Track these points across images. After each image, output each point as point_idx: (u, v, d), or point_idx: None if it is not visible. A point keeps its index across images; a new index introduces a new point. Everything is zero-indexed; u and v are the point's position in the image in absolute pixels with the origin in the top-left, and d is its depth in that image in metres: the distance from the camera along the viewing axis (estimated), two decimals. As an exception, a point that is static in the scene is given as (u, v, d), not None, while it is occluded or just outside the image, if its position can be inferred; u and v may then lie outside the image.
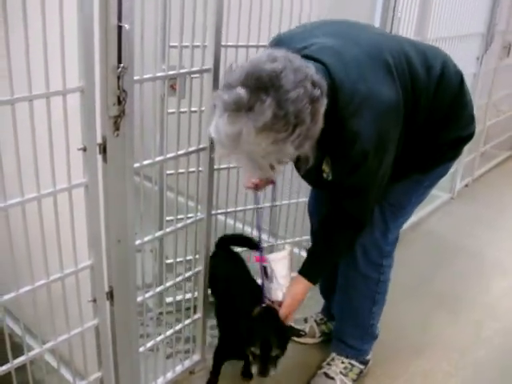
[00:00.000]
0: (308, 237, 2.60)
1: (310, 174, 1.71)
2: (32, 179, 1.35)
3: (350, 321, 2.19)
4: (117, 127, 1.44)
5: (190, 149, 1.78)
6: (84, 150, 1.41)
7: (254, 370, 1.78)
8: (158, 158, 1.71)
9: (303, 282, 1.83)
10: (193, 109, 1.80)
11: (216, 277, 2.07)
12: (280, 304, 1.84)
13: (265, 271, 1.90)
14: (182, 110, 1.76)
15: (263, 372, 1.76)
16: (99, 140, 1.43)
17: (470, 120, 1.89)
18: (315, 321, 2.45)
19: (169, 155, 1.75)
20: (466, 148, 3.88)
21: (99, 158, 1.46)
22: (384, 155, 1.62)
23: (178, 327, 2.03)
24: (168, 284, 1.94)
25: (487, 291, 2.99)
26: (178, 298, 2.13)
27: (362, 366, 2.20)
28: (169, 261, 2.23)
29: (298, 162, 1.57)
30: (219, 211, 2.46)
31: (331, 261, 1.95)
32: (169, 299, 2.27)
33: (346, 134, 1.54)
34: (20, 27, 1.18)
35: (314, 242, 1.93)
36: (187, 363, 2.15)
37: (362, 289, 2.11)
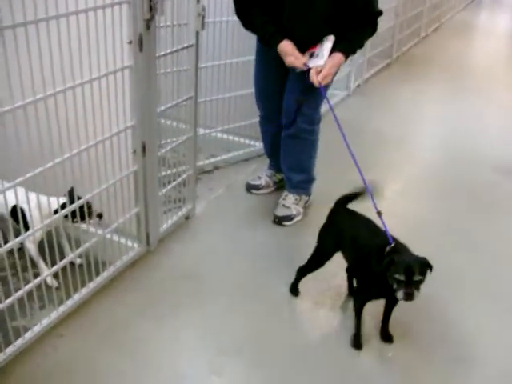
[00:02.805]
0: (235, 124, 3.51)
1: None
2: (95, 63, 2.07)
3: (296, 169, 3.10)
4: (148, 27, 2.18)
5: (180, 46, 2.53)
6: (130, 42, 2.16)
7: (400, 295, 1.93)
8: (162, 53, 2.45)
9: (340, 55, 2.63)
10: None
11: (343, 233, 2.28)
12: (321, 70, 2.58)
13: (312, 55, 2.63)
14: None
15: (409, 295, 1.91)
16: (138, 36, 2.17)
17: None
18: (267, 175, 3.36)
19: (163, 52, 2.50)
20: (357, 54, 4.79)
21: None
22: None
23: (178, 180, 2.83)
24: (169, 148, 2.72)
25: (390, 157, 4.05)
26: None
27: (306, 197, 3.14)
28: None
29: None
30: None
31: (362, 43, 2.76)
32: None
33: None
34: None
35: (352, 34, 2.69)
36: (184, 210, 2.97)
37: (302, 148, 3.03)
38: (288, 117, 2.93)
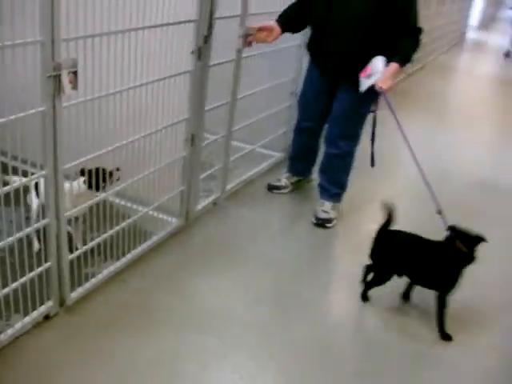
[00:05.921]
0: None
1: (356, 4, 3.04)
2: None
3: (335, 184, 3.56)
4: (205, 41, 2.80)
5: (225, 60, 3.15)
6: (192, 52, 2.78)
7: None
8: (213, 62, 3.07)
9: (394, 64, 3.00)
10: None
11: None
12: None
13: (369, 76, 3.02)
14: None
15: None
16: (197, 48, 2.79)
17: None
18: (285, 178, 3.92)
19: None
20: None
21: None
22: None
23: (213, 169, 3.43)
24: (210, 140, 3.31)
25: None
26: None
27: (339, 204, 3.63)
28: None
29: None
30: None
31: (409, 54, 3.08)
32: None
33: None
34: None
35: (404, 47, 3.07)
36: (213, 196, 3.55)
37: (344, 167, 3.52)
38: (331, 138, 3.43)
